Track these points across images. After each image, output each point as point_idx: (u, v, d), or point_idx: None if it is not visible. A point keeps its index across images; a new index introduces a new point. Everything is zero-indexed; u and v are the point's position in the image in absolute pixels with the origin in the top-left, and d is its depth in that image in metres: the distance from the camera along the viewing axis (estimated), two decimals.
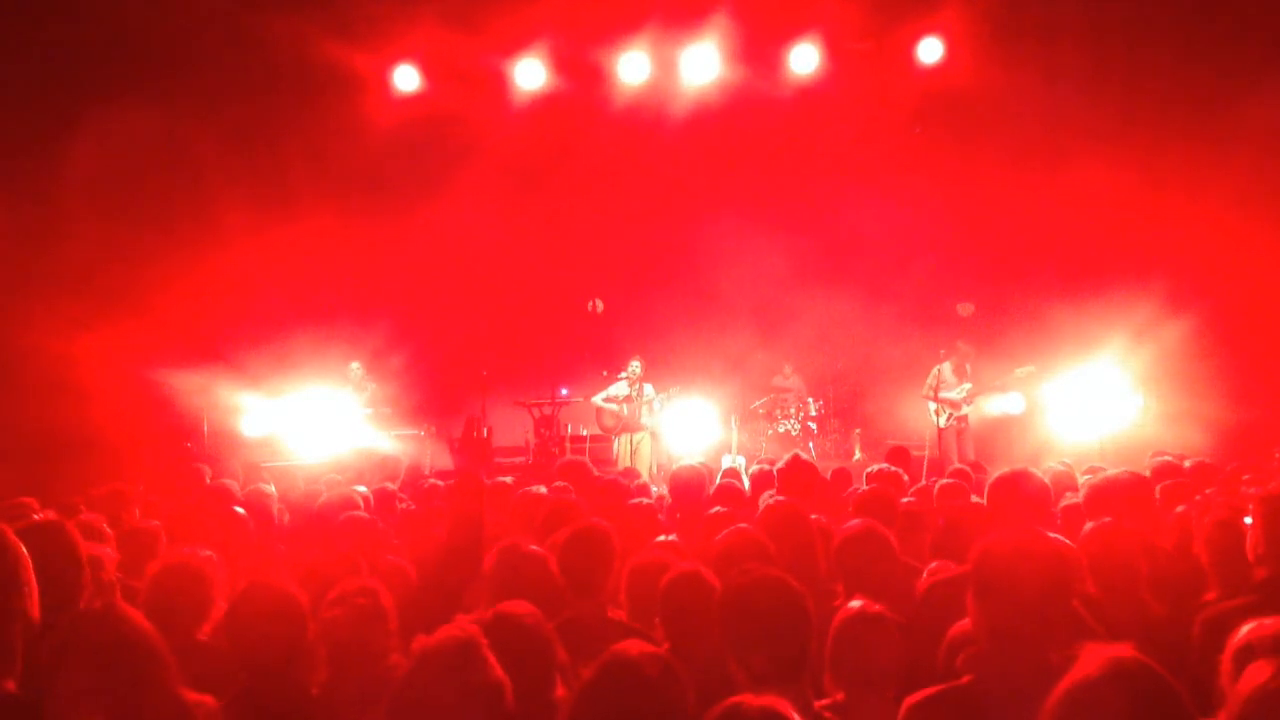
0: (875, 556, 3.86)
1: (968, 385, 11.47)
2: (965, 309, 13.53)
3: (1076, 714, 1.94)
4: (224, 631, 3.02)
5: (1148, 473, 5.68)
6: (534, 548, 3.85)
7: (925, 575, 3.96)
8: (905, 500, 5.45)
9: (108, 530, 4.62)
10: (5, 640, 2.40)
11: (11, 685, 2.41)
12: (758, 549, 3.80)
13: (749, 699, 2.12)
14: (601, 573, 3.80)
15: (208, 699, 2.64)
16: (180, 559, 3.52)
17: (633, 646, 2.38)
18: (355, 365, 12.37)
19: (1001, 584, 2.62)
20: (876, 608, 3.16)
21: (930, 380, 11.66)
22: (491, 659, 2.31)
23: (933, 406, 11.62)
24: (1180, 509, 4.63)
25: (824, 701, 3.03)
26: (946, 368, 11.59)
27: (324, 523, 5.19)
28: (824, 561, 4.11)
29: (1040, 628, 2.55)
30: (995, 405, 12.05)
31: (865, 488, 5.65)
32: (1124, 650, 1.98)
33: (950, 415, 11.46)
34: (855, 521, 4.07)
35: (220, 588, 3.42)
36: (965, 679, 2.62)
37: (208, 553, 3.60)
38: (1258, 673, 2.00)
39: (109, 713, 2.41)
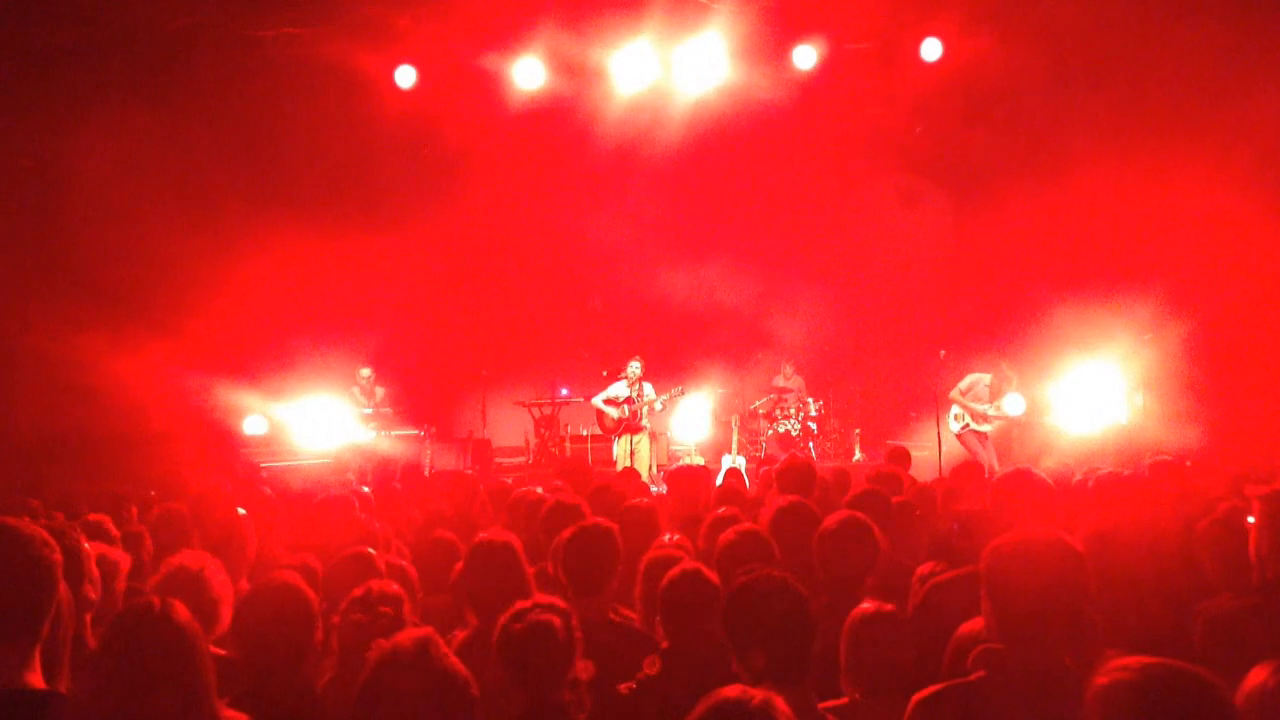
0: (854, 545, 3.83)
1: (988, 407, 10.96)
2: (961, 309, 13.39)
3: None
4: (232, 632, 3.00)
5: (1147, 473, 5.68)
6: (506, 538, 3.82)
7: (918, 575, 3.94)
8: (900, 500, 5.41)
9: (114, 530, 4.61)
10: (57, 642, 2.34)
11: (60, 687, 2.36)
12: (761, 549, 3.80)
13: (754, 692, 2.10)
14: (604, 573, 3.78)
15: (244, 717, 2.54)
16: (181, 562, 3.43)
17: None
18: (366, 371, 12.42)
19: (1013, 583, 2.62)
20: (889, 607, 3.16)
21: (963, 385, 11.14)
22: (450, 655, 2.24)
23: (954, 410, 11.16)
24: (1183, 509, 4.63)
25: (836, 702, 3.03)
26: (985, 381, 11.03)
27: (324, 521, 5.19)
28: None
29: (1052, 627, 2.55)
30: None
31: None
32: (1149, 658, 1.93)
33: (967, 425, 11.07)
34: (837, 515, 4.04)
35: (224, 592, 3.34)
36: (975, 675, 2.62)
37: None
38: (1257, 673, 2.00)
39: None
